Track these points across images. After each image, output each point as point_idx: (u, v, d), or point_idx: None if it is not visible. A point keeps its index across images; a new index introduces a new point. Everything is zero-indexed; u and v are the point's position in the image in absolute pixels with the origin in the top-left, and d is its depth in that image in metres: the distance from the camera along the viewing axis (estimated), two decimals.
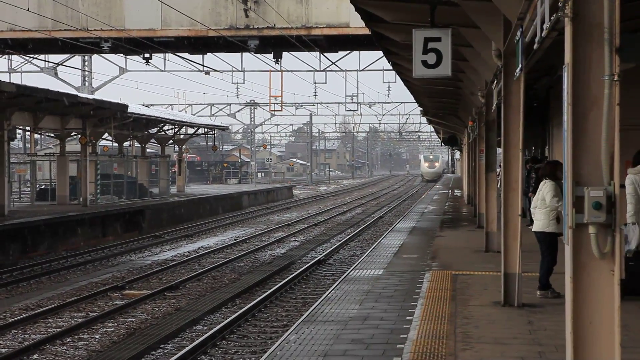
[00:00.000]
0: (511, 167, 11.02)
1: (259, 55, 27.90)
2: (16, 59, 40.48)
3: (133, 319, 15.59)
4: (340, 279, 14.23)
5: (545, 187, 11.42)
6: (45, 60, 36.80)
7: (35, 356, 12.92)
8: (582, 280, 5.41)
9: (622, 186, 10.96)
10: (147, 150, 49.74)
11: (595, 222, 5.31)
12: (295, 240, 30.61)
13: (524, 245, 11.00)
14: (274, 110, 75.94)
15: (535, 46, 7.53)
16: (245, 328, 14.48)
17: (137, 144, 48.51)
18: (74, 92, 35.56)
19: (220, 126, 58.01)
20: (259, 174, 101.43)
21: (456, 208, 33.68)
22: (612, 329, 5.34)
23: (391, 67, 23.33)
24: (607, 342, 5.37)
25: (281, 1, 23.65)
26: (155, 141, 48.85)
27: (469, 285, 12.86)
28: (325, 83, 52.60)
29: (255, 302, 16.25)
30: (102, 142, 48.15)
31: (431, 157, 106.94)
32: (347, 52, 30.07)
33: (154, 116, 40.06)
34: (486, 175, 18.26)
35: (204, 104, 73.67)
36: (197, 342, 12.84)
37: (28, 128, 36.56)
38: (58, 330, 14.40)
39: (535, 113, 24.30)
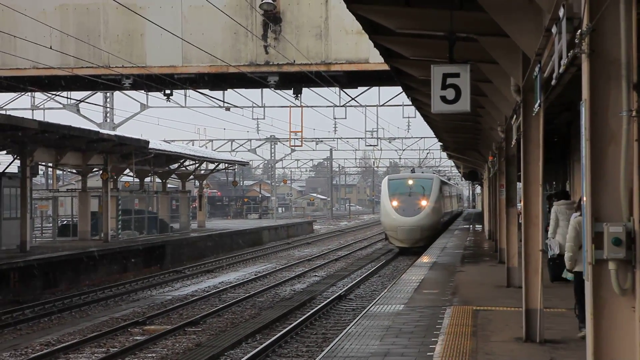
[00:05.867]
0: (532, 202, 10.98)
1: (279, 91, 28.06)
2: (39, 96, 40.76)
3: (153, 355, 15.58)
4: (361, 314, 14.18)
5: None
6: (67, 97, 37.10)
7: None
8: (603, 316, 5.37)
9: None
10: (168, 185, 49.94)
11: (615, 258, 5.28)
12: (316, 275, 30.55)
13: (545, 281, 10.93)
14: (294, 146, 75.90)
15: (553, 82, 7.54)
16: None
17: (158, 180, 48.73)
18: (95, 128, 35.87)
19: (241, 161, 58.19)
20: (280, 209, 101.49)
21: (477, 243, 33.52)
22: None
23: (411, 103, 23.40)
24: None
25: (301, 37, 23.80)
26: (176, 176, 49.06)
27: (490, 321, 12.78)
28: (345, 118, 52.70)
29: (275, 337, 16.22)
30: (124, 178, 48.44)
31: (410, 182, 40.80)
32: (367, 87, 30.14)
33: (175, 152, 40.28)
34: (507, 210, 18.18)
35: (224, 140, 73.95)
36: None
37: (50, 164, 36.80)
38: None
39: (556, 148, 24.21)
